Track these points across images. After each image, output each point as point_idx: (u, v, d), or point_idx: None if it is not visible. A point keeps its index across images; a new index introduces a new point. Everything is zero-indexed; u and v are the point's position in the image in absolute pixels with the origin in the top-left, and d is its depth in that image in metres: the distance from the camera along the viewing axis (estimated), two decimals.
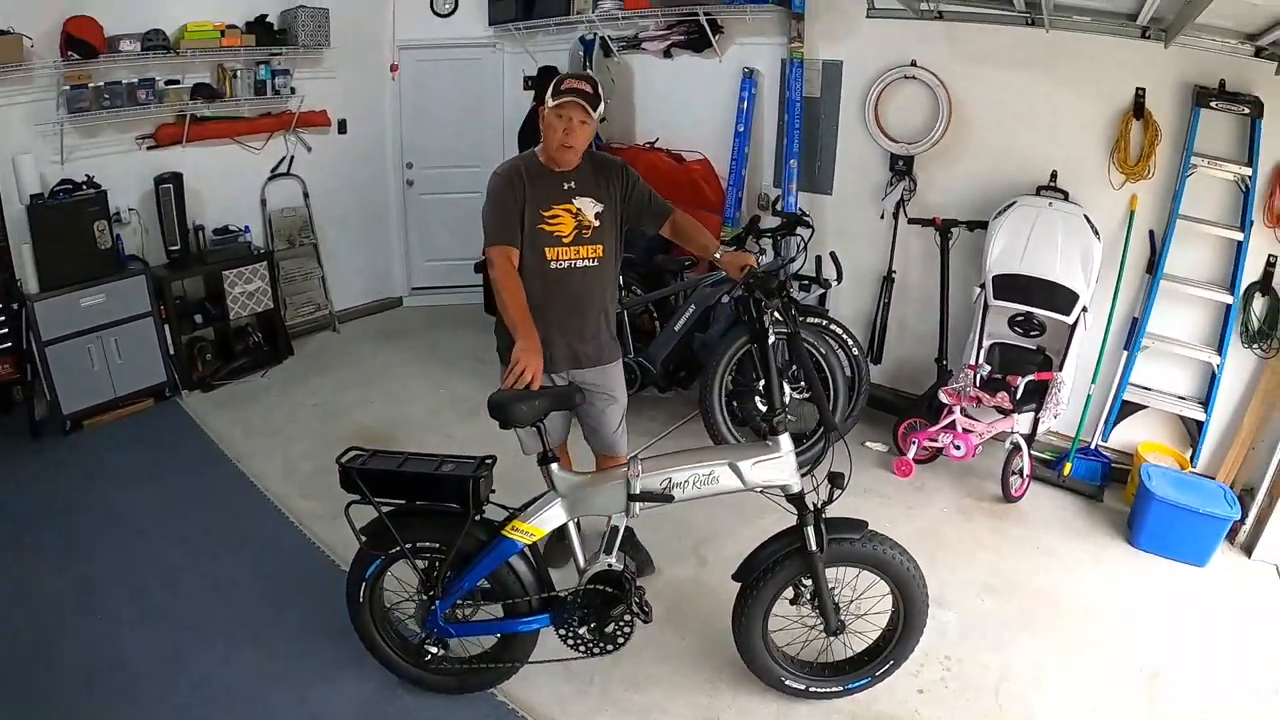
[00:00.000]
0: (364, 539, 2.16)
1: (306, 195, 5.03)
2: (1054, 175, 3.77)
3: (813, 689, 2.45)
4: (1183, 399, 3.75)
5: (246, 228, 4.70)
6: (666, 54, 4.69)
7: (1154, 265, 3.63)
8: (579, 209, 2.44)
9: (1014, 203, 3.75)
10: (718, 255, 2.51)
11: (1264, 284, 3.46)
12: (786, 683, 2.44)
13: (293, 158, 4.93)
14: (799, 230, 4.09)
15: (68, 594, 2.90)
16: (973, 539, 3.44)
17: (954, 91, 3.92)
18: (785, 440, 2.20)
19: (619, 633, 2.20)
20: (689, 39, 4.60)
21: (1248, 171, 3.36)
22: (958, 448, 3.73)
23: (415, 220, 5.68)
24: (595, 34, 4.74)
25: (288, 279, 4.96)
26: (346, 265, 5.39)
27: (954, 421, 3.73)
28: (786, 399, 3.63)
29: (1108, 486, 3.82)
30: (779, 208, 4.39)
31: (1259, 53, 3.26)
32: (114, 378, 4.12)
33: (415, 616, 2.25)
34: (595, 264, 2.48)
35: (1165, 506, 3.29)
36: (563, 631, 2.21)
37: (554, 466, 2.13)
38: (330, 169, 5.14)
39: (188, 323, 4.45)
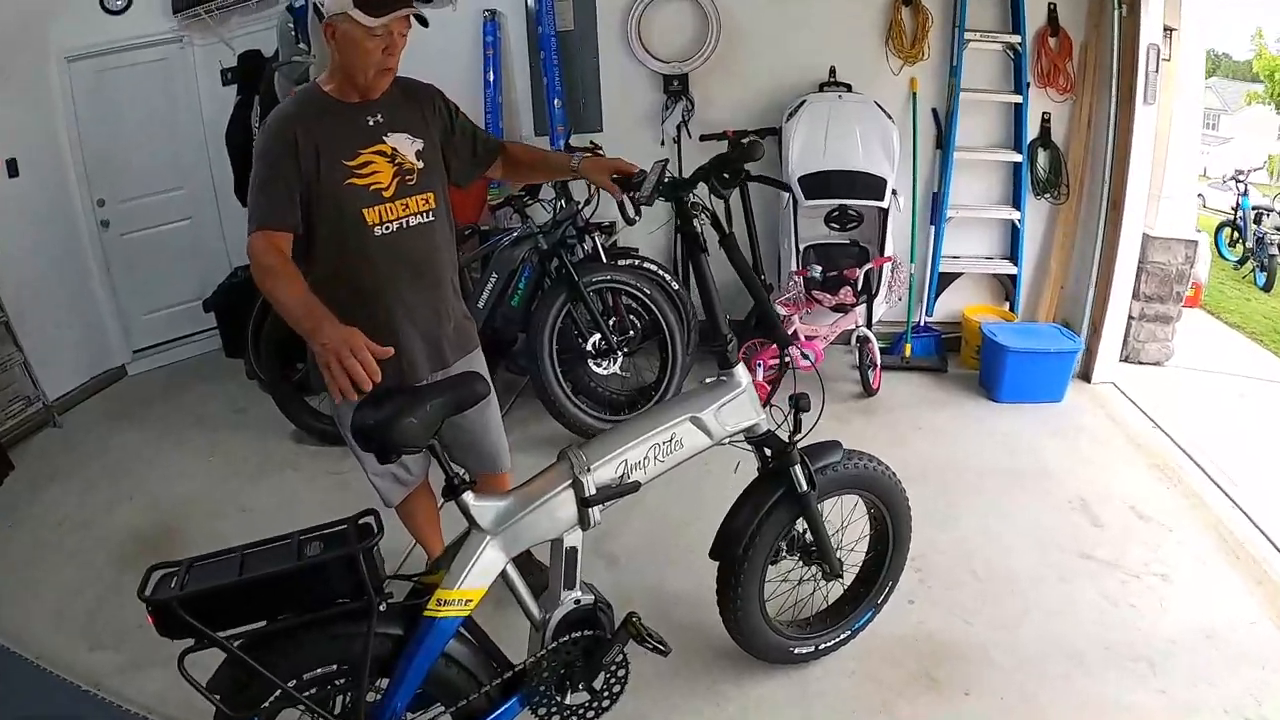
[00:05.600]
0: (220, 700, 1.31)
1: None
2: (833, 70, 3.65)
3: (822, 645, 2.03)
4: (989, 259, 3.87)
5: None
6: None
7: (942, 140, 3.68)
8: (394, 149, 1.71)
9: (804, 101, 3.57)
10: (575, 164, 1.90)
11: (1044, 139, 3.69)
12: (796, 652, 1.99)
13: None
14: None
15: None
16: (859, 438, 3.12)
17: (720, 2, 3.62)
18: (741, 371, 1.71)
19: (614, 680, 1.58)
20: None
21: (1016, 39, 3.50)
22: (806, 356, 3.50)
23: (121, 268, 4.36)
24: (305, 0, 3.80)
25: None
26: (51, 341, 3.96)
27: (795, 331, 3.50)
28: (619, 358, 3.19)
29: (945, 356, 3.85)
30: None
31: None
32: None
33: None
34: (430, 218, 1.77)
35: (1020, 356, 3.35)
36: (543, 712, 1.53)
37: (469, 495, 1.44)
38: (7, 224, 3.71)
39: None
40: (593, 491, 1.48)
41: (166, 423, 3.77)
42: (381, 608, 1.35)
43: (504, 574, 1.46)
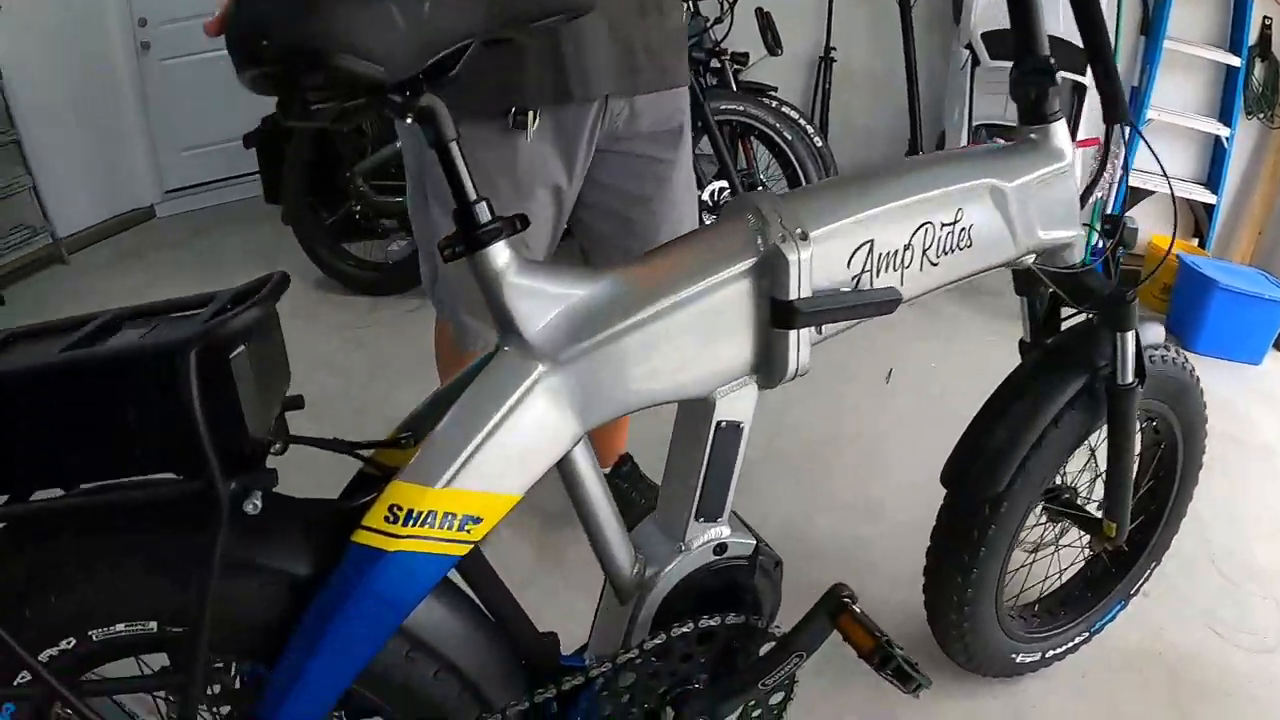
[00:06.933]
0: None
1: None
2: None
3: (1050, 654, 1.16)
4: (1183, 181, 2.85)
5: None
6: None
7: (1149, 25, 2.67)
8: None
9: None
10: None
11: (1263, 47, 2.69)
12: (1019, 661, 1.11)
13: None
14: None
15: None
16: None
17: None
18: (1062, 133, 0.78)
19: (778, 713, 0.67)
20: None
21: None
22: None
23: (159, 97, 3.55)
24: None
25: None
26: (69, 169, 3.19)
27: None
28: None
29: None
30: None
31: None
32: None
33: None
34: None
35: (1230, 296, 2.39)
36: None
37: (502, 248, 0.52)
38: (32, 34, 2.94)
39: None
40: (806, 290, 0.56)
41: (179, 267, 3.02)
42: (249, 508, 0.48)
43: (565, 465, 0.56)
